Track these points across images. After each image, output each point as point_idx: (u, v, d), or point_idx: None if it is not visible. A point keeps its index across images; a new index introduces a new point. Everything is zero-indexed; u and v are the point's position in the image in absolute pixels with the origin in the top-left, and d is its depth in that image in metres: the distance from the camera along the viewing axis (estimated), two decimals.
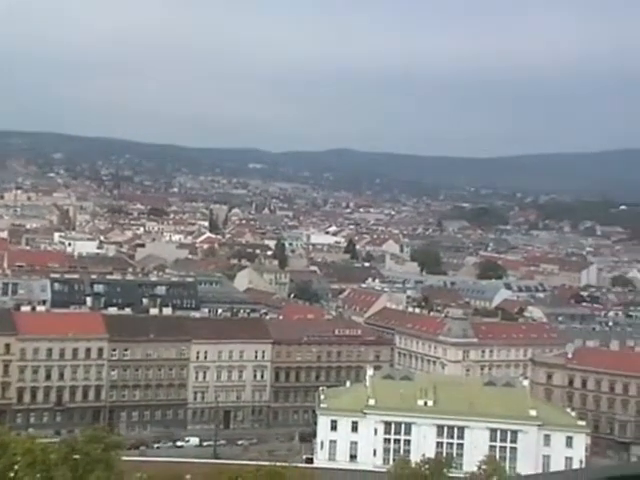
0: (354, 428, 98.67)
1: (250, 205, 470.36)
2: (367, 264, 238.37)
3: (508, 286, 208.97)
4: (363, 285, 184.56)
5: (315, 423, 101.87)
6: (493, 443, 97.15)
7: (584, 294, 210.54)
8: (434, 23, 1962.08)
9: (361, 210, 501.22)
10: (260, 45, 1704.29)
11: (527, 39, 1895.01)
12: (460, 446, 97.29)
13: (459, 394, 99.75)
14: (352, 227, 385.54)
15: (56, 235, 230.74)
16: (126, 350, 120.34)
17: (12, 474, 58.91)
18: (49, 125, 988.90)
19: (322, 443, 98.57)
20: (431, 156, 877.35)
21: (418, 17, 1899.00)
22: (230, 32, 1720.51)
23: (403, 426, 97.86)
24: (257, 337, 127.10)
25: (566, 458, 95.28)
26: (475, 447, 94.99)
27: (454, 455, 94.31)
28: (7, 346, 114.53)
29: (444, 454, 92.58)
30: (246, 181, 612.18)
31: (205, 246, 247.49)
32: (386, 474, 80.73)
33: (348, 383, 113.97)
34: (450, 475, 79.03)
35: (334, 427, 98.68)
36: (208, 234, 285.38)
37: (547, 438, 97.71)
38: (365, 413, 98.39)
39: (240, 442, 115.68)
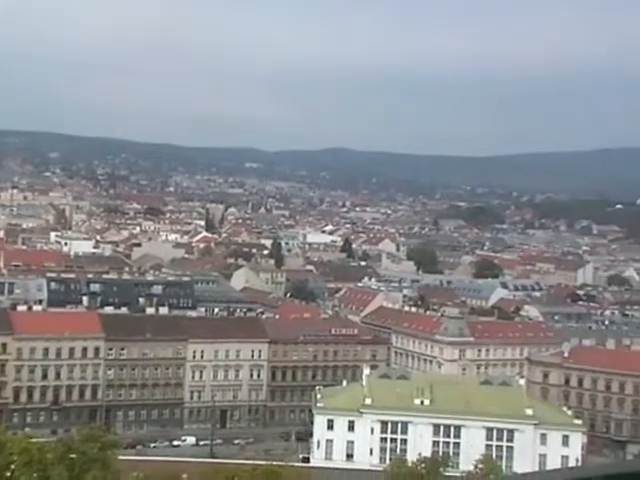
0: (351, 427, 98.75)
1: (246, 204, 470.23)
2: (363, 263, 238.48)
3: (504, 285, 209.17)
4: (359, 284, 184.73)
5: (312, 422, 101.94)
6: (489, 442, 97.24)
7: (580, 293, 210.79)
8: (434, 23, 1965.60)
9: (357, 209, 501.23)
10: (260, 45, 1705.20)
11: (527, 39, 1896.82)
12: (456, 445, 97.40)
13: (455, 393, 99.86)
14: (348, 226, 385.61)
15: (52, 234, 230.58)
16: (123, 349, 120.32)
17: (9, 473, 58.93)
18: (47, 125, 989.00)
19: (319, 442, 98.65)
20: (427, 155, 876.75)
21: (418, 17, 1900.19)
22: (230, 32, 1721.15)
23: (399, 425, 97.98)
24: (253, 336, 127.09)
25: (562, 457, 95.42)
26: (471, 446, 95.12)
27: (450, 454, 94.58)
28: (3, 346, 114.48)
29: (440, 453, 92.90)
30: (242, 180, 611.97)
31: (201, 245, 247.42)
32: (383, 473, 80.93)
33: (344, 382, 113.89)
34: (446, 474, 79.28)
35: (331, 426, 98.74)
36: (204, 233, 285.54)
37: (543, 437, 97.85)
38: (361, 412, 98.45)
39: (237, 441, 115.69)
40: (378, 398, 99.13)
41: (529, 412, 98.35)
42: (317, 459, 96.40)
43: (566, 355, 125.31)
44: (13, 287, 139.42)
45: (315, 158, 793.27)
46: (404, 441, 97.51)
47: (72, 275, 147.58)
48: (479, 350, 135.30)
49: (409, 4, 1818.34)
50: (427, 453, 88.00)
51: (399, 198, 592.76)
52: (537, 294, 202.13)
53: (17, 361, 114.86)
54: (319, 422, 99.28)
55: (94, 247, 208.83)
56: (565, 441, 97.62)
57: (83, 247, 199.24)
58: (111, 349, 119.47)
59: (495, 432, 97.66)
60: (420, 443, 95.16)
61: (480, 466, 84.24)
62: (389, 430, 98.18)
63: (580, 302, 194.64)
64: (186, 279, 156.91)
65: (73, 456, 62.11)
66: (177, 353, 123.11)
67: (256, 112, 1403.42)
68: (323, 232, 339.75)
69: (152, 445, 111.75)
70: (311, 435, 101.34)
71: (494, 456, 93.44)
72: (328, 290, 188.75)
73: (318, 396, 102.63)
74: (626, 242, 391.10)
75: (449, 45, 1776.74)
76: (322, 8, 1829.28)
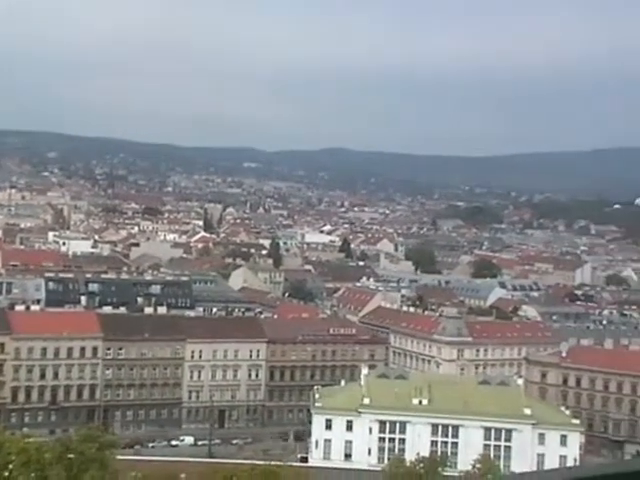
0: (349, 427, 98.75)
1: (245, 204, 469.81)
2: (362, 263, 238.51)
3: (502, 285, 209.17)
4: (358, 284, 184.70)
5: (310, 422, 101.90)
6: (487, 442, 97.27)
7: (578, 293, 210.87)
8: (434, 23, 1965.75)
9: (356, 209, 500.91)
10: (260, 45, 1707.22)
11: (527, 39, 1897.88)
12: (455, 445, 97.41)
13: (454, 393, 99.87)
14: (347, 226, 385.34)
15: (50, 234, 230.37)
16: (121, 349, 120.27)
17: (7, 473, 58.88)
18: (46, 124, 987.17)
19: (317, 442, 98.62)
20: (426, 155, 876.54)
21: (418, 17, 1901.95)
22: (230, 32, 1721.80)
23: (398, 425, 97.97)
24: (252, 336, 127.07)
25: (560, 457, 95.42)
26: (469, 446, 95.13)
27: (449, 454, 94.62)
28: (1, 345, 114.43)
29: (439, 453, 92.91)
30: (241, 180, 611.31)
31: (200, 245, 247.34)
32: (381, 473, 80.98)
33: (343, 382, 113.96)
34: (445, 474, 79.36)
35: (329, 426, 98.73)
36: (203, 233, 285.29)
37: (541, 437, 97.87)
38: (360, 412, 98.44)
39: (235, 441, 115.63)
40: (376, 398, 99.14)
41: (527, 412, 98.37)
42: (315, 459, 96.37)
43: (564, 355, 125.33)
44: (11, 287, 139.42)
45: (313, 158, 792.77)
46: (402, 441, 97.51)
47: (70, 275, 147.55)
48: (477, 350, 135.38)
49: (409, 4, 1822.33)
50: (425, 453, 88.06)
51: (397, 198, 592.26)
52: (535, 294, 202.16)
53: (15, 361, 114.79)
54: (317, 422, 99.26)
55: (92, 247, 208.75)
56: (563, 441, 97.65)
57: (81, 247, 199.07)
58: (109, 349, 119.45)
59: (493, 432, 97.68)
60: (418, 443, 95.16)
61: (478, 466, 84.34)
62: (387, 430, 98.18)
63: (578, 302, 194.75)
64: (184, 279, 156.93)
65: (71, 456, 62.08)
66: (175, 353, 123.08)
67: (256, 112, 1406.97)
68: (321, 232, 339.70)
69: (150, 445, 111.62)
70: (309, 435, 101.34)
71: (492, 456, 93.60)
72: (326, 290, 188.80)
73: (316, 396, 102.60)
74: (624, 242, 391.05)
75: (449, 45, 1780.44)
76: (322, 8, 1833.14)
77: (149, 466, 75.02)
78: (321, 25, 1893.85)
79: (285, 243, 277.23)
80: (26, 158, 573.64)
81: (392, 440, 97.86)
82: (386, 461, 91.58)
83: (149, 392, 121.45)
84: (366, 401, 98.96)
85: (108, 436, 72.66)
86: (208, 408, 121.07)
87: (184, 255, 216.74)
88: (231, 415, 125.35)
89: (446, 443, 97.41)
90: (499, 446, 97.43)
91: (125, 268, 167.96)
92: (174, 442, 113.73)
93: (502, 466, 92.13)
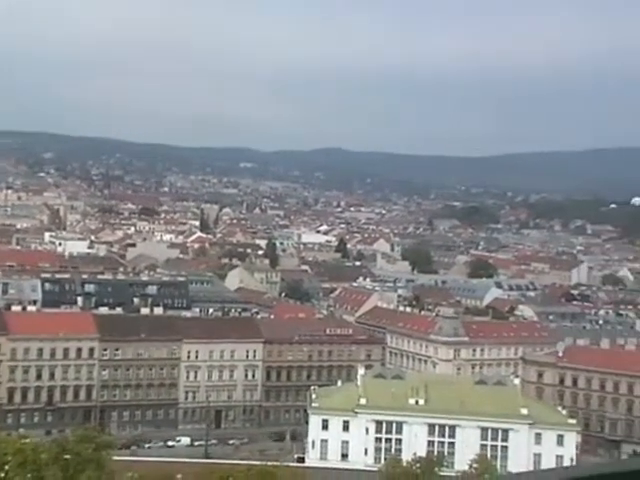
0: (345, 427, 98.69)
1: (241, 204, 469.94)
2: (358, 263, 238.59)
3: (499, 285, 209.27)
4: (354, 284, 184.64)
5: (306, 422, 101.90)
6: (484, 442, 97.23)
7: (575, 293, 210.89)
8: (434, 23, 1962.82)
9: (352, 209, 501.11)
10: (260, 45, 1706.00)
11: (527, 39, 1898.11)
12: (451, 445, 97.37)
13: (450, 393, 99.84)
14: (343, 226, 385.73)
15: (47, 235, 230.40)
16: (117, 350, 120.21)
17: (3, 474, 58.76)
18: (42, 125, 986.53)
19: (313, 442, 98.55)
20: (422, 155, 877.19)
21: (418, 17, 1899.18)
22: (230, 32, 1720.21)
23: (394, 425, 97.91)
24: (248, 336, 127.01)
25: (557, 456, 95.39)
26: (466, 446, 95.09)
27: (445, 454, 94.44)
28: None
29: (435, 453, 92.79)
30: (237, 180, 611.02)
31: (196, 245, 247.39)
32: (377, 473, 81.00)
33: (339, 382, 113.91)
34: (441, 474, 79.33)
35: (325, 426, 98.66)
36: (199, 234, 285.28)
37: (538, 436, 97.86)
38: (356, 412, 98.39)
39: (231, 442, 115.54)
40: (373, 398, 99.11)
41: (524, 412, 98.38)
42: (312, 459, 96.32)
43: (560, 355, 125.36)
44: (7, 287, 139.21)
45: (309, 158, 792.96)
46: (399, 441, 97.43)
47: (66, 275, 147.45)
48: (474, 350, 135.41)
49: (409, 4, 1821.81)
50: (422, 453, 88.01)
51: (394, 198, 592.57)
52: (531, 294, 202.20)
53: (11, 361, 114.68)
54: (314, 422, 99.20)
55: (88, 247, 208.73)
56: (560, 440, 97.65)
57: (77, 247, 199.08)
58: (105, 349, 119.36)
59: (490, 432, 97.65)
60: (415, 443, 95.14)
61: (475, 466, 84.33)
62: (384, 430, 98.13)
63: (574, 302, 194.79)
64: (181, 279, 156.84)
65: (67, 457, 62.00)
66: (172, 353, 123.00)
67: (256, 112, 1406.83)
68: (318, 232, 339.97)
69: (147, 445, 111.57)
70: (306, 435, 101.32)
71: (489, 456, 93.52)
72: (323, 290, 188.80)
73: (313, 396, 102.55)
74: (620, 242, 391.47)
75: (449, 45, 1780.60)
76: (322, 8, 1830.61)
77: (145, 467, 74.92)
78: (321, 25, 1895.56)
79: (281, 243, 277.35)
80: (22, 159, 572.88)
81: (389, 440, 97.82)
82: (383, 461, 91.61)
83: (145, 392, 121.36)
84: (363, 401, 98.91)
85: (104, 437, 72.62)
86: (204, 408, 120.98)
87: (180, 255, 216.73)
88: (227, 415, 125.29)
89: (443, 443, 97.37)
90: (496, 446, 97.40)
91: (121, 268, 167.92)
92: (170, 442, 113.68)
93: (499, 466, 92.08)
